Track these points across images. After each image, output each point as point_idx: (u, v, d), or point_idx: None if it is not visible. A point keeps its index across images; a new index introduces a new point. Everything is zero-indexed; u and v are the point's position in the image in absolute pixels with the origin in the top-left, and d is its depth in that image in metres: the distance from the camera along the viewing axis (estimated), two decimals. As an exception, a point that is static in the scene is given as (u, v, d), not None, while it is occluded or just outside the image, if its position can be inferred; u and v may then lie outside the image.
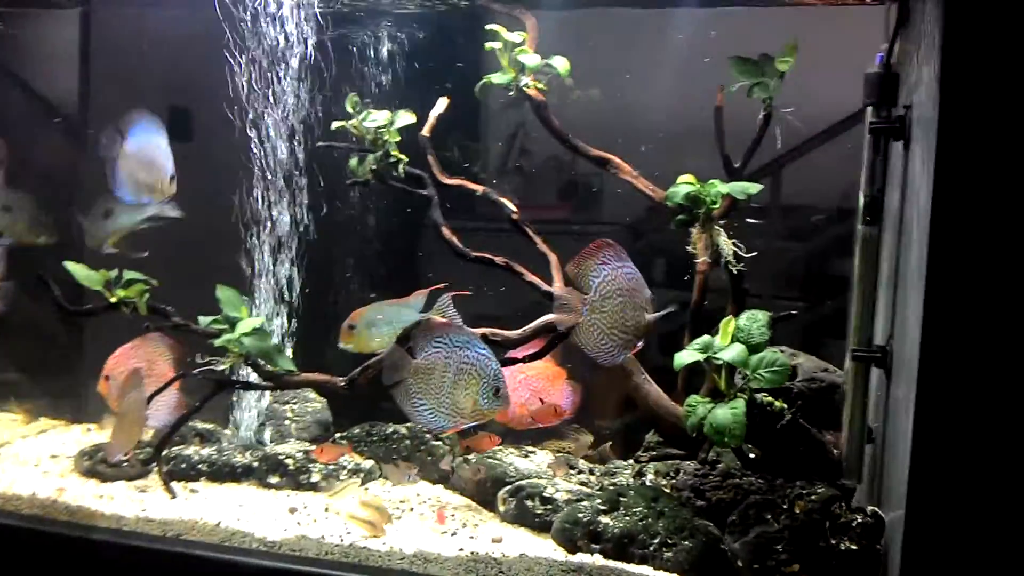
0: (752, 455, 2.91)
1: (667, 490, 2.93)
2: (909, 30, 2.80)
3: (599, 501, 2.81)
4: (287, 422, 3.60)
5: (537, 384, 3.36)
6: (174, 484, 3.21)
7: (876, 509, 2.61)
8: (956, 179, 2.19)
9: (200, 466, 3.34)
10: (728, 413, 2.59)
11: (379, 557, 2.71)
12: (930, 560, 2.26)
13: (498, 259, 3.08)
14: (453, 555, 2.70)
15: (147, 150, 3.12)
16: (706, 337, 2.75)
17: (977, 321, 2.18)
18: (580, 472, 3.31)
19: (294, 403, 3.65)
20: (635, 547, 2.69)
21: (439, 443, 3.51)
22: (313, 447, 3.41)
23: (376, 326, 3.01)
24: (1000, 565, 2.17)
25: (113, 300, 3.30)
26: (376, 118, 3.14)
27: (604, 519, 2.75)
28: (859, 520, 2.56)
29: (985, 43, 2.15)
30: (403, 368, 2.70)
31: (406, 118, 3.14)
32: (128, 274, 3.32)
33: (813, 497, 2.61)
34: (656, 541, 2.68)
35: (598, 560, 2.65)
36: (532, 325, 2.96)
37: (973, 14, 2.16)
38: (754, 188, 3.02)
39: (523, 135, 3.93)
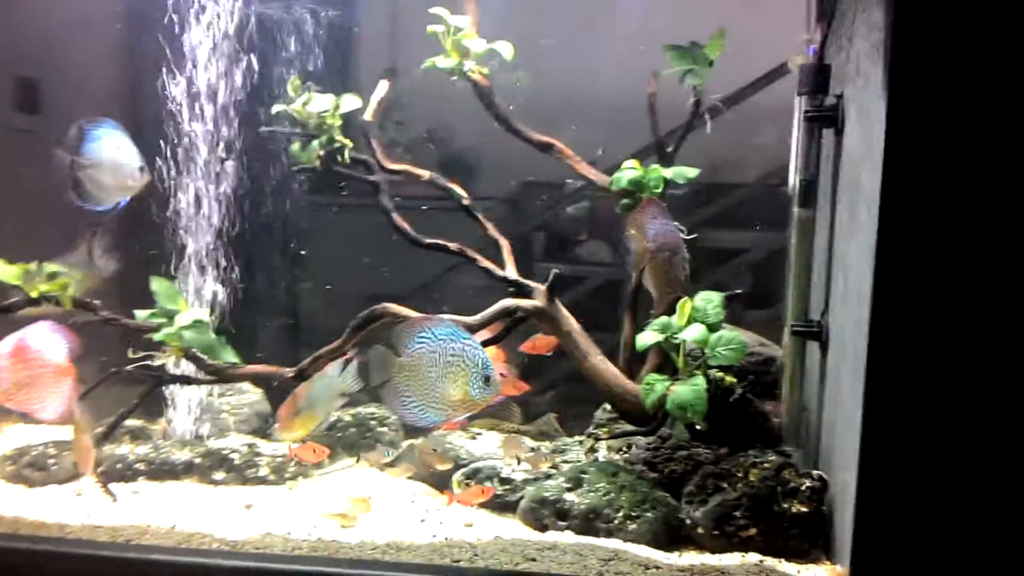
0: (699, 427, 3.06)
1: (620, 464, 3.06)
2: (838, 23, 2.98)
3: (563, 479, 2.90)
4: (224, 415, 3.50)
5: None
6: (112, 485, 3.08)
7: (822, 473, 2.81)
8: (904, 167, 2.37)
9: (137, 465, 3.21)
10: (690, 390, 2.72)
11: (350, 549, 2.70)
12: (881, 519, 2.48)
13: (452, 245, 3.09)
14: (426, 542, 2.72)
15: (106, 152, 2.93)
16: (664, 318, 2.87)
17: (922, 298, 2.38)
18: (528, 450, 3.39)
19: (230, 395, 3.55)
20: (600, 521, 2.80)
21: (384, 429, 3.51)
22: (255, 439, 3.35)
23: (314, 404, 2.96)
24: (947, 525, 2.40)
25: (34, 295, 3.10)
26: (320, 102, 3.06)
27: (570, 496, 2.85)
28: (807, 484, 2.75)
29: (933, 42, 2.32)
30: (388, 367, 2.67)
31: (352, 102, 3.08)
32: (49, 267, 3.13)
33: (766, 465, 2.79)
34: (620, 515, 2.80)
35: (569, 537, 2.74)
36: (490, 310, 2.99)
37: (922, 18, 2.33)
38: (692, 172, 3.16)
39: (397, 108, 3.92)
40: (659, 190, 3.13)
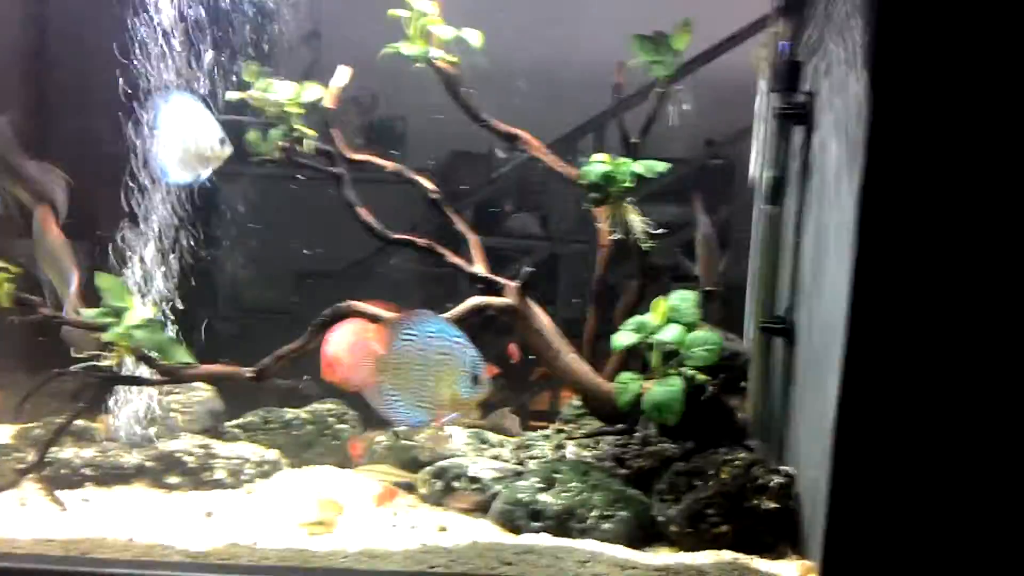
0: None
1: (591, 461, 3.05)
2: (809, 21, 2.98)
3: (536, 479, 2.87)
4: (173, 414, 3.34)
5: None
6: (59, 493, 2.92)
7: (789, 469, 2.85)
8: (886, 166, 2.38)
9: (84, 470, 3.05)
10: (666, 391, 2.72)
11: (321, 558, 2.61)
12: (852, 513, 2.53)
13: (420, 241, 3.00)
14: (400, 549, 2.66)
15: (185, 123, 2.77)
16: (639, 317, 2.85)
17: (900, 296, 2.42)
18: (492, 447, 3.36)
19: (178, 393, 3.39)
20: (574, 521, 2.79)
21: (344, 426, 3.42)
22: (207, 440, 3.21)
23: None
24: (917, 520, 2.47)
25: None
26: (281, 89, 2.91)
27: (543, 497, 2.82)
28: (776, 480, 2.79)
29: (916, 40, 2.34)
30: (374, 365, 2.57)
31: (314, 90, 2.94)
32: (-13, 262, 2.92)
33: (737, 462, 2.81)
34: (594, 514, 2.79)
35: (545, 539, 2.72)
36: (460, 308, 2.91)
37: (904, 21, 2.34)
38: (661, 166, 3.13)
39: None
40: (629, 184, 3.09)
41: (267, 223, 3.93)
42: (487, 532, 2.80)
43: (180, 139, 2.82)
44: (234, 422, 3.42)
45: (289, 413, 3.41)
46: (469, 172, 4.72)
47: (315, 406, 3.46)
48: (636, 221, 3.15)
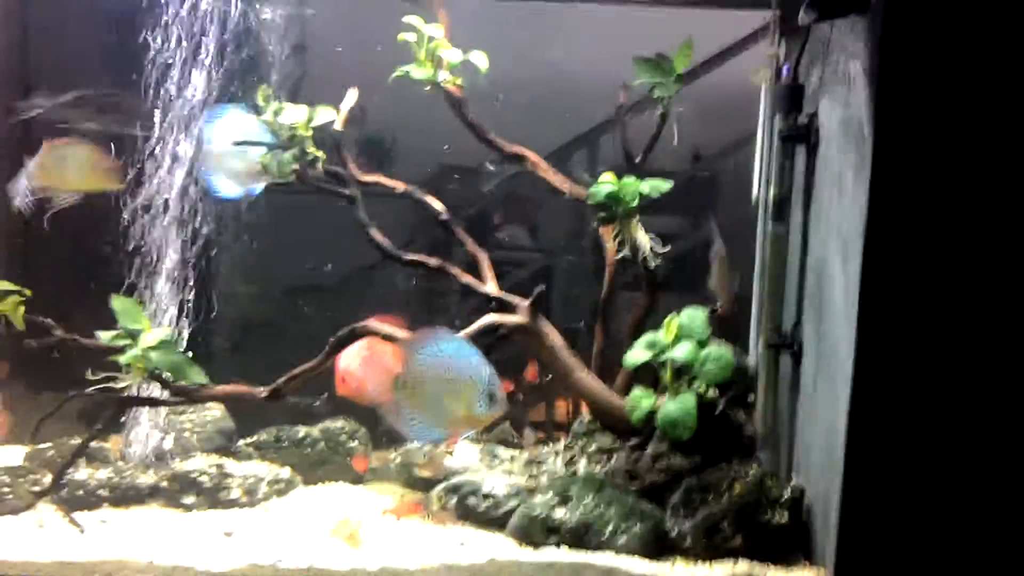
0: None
1: (600, 475, 3.10)
2: (809, 44, 3.06)
3: (551, 495, 2.92)
4: (187, 434, 3.36)
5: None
6: (75, 514, 2.93)
7: (799, 483, 2.91)
8: (891, 187, 2.47)
9: (100, 491, 3.06)
10: (679, 408, 2.78)
11: (341, 575, 2.66)
12: (864, 524, 2.59)
13: (432, 261, 3.04)
14: (421, 565, 2.69)
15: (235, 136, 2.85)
16: (651, 335, 2.91)
17: (907, 313, 2.49)
18: (503, 461, 3.40)
19: (191, 412, 3.41)
20: (590, 536, 2.83)
21: (355, 444, 3.45)
22: (221, 459, 3.24)
23: None
24: (926, 531, 2.54)
25: (-10, 319, 2.92)
26: (293, 113, 2.95)
27: (559, 512, 2.87)
28: (787, 495, 2.85)
29: (920, 73, 2.42)
30: (392, 383, 2.60)
31: (326, 114, 2.99)
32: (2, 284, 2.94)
33: (749, 476, 2.87)
34: (609, 528, 2.83)
35: (564, 554, 2.77)
36: (473, 327, 2.96)
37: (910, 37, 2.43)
38: (666, 185, 3.20)
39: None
40: (635, 203, 3.16)
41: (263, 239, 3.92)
42: (505, 547, 2.84)
43: (230, 152, 2.83)
44: (246, 441, 3.44)
45: (301, 431, 3.43)
46: (459, 186, 4.78)
47: (326, 424, 3.48)
48: (644, 239, 3.22)
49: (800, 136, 3.03)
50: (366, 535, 2.84)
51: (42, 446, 3.39)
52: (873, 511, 2.58)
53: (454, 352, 2.60)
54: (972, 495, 2.52)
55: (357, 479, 3.39)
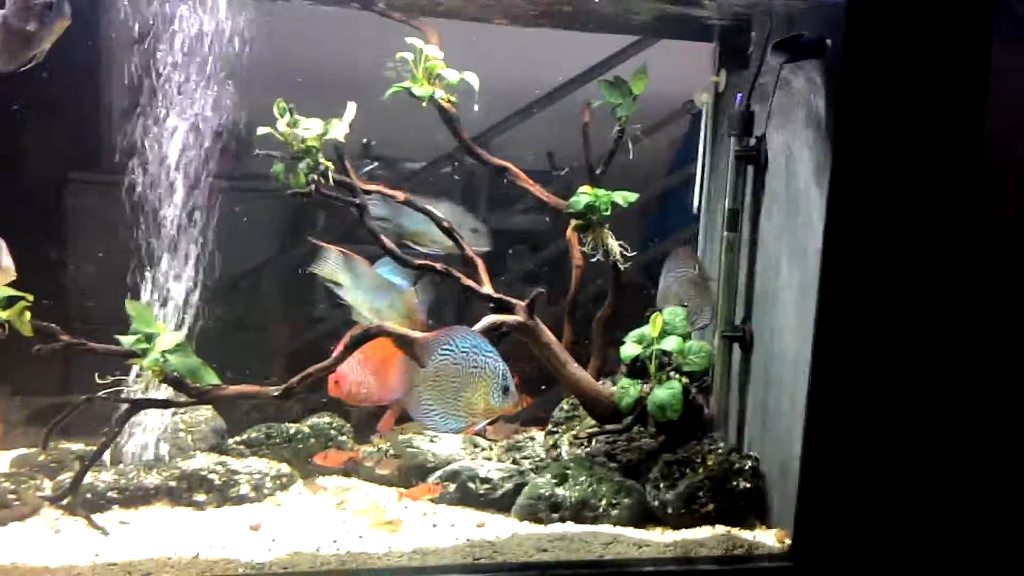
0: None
1: (581, 457, 3.46)
2: (757, 72, 3.53)
3: (550, 476, 3.25)
4: (182, 434, 3.42)
5: (376, 365, 3.63)
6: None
7: (756, 454, 3.39)
8: (844, 198, 2.99)
9: (110, 493, 3.09)
10: (667, 393, 3.19)
11: (379, 559, 2.87)
12: (819, 489, 3.10)
13: (438, 266, 3.28)
14: (449, 544, 2.96)
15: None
16: (639, 330, 3.30)
17: (858, 302, 3.02)
18: (483, 449, 3.69)
19: (183, 413, 3.47)
20: (587, 511, 3.19)
21: (343, 438, 3.62)
22: (223, 457, 3.34)
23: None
24: (875, 496, 3.07)
25: (-12, 322, 2.89)
26: (309, 126, 3.10)
27: (560, 491, 3.21)
28: (749, 464, 3.32)
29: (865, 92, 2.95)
30: (413, 377, 2.83)
31: (341, 128, 3.15)
32: (3, 291, 2.91)
33: (719, 450, 3.32)
34: (603, 503, 3.20)
35: (571, 527, 3.11)
36: (478, 326, 3.22)
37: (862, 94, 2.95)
38: (633, 196, 3.59)
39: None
40: (607, 212, 3.53)
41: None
42: (516, 524, 3.15)
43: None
44: (237, 438, 3.53)
45: (292, 428, 3.57)
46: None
47: (314, 419, 3.64)
48: (614, 245, 3.60)
49: (751, 157, 3.50)
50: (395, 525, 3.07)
51: (26, 451, 3.37)
52: (828, 476, 3.10)
53: (470, 348, 2.89)
54: (913, 468, 3.09)
55: (351, 471, 3.57)
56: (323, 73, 3.88)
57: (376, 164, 3.85)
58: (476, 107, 3.48)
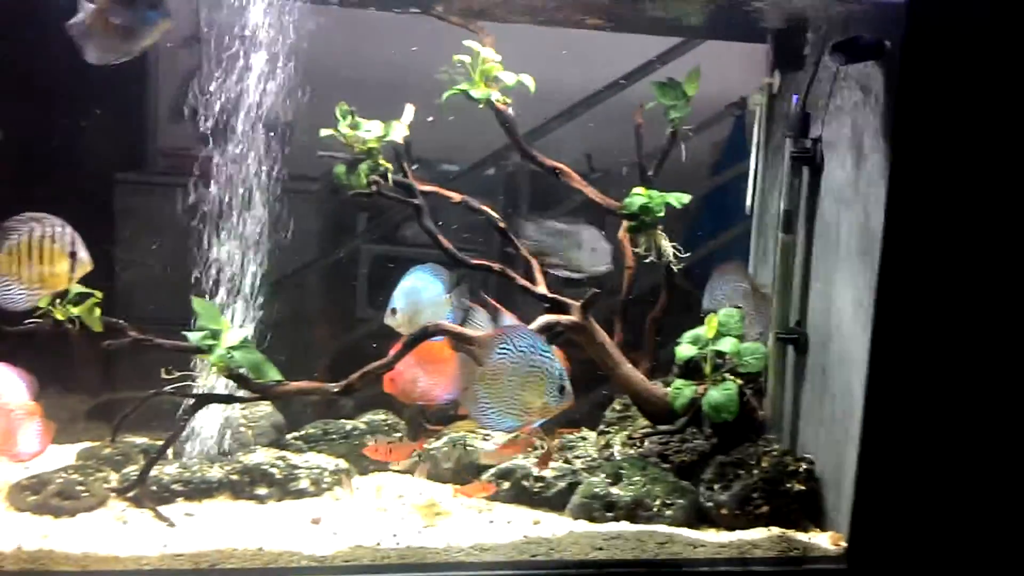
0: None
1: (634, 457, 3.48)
2: (814, 74, 3.52)
3: (604, 475, 3.28)
4: (243, 429, 3.49)
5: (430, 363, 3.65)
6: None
7: (811, 456, 3.39)
8: (903, 201, 2.97)
9: (174, 486, 3.17)
10: (723, 394, 3.20)
11: (438, 553, 2.92)
12: (875, 493, 3.09)
13: (495, 266, 3.32)
14: (507, 541, 2.99)
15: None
16: (694, 331, 3.31)
17: (919, 305, 3.00)
18: (535, 448, 3.72)
19: (244, 408, 3.54)
20: (641, 510, 3.21)
21: (398, 435, 3.68)
22: (282, 452, 3.41)
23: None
24: (932, 501, 3.05)
25: (60, 317, 2.98)
26: (371, 128, 3.16)
27: (615, 490, 3.23)
28: (804, 467, 3.32)
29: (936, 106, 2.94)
30: (470, 375, 2.87)
31: (401, 129, 3.21)
32: (76, 287, 3.01)
33: (774, 453, 3.32)
34: (658, 503, 3.22)
35: (626, 526, 3.13)
36: (533, 325, 3.25)
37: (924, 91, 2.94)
38: (686, 198, 3.61)
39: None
40: (661, 213, 3.55)
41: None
42: (572, 523, 3.17)
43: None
44: (295, 434, 3.60)
45: (348, 424, 3.63)
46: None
47: (369, 416, 3.70)
48: (667, 246, 3.62)
49: (807, 158, 3.50)
50: (446, 514, 3.12)
51: (91, 444, 3.47)
52: (884, 480, 3.09)
53: (528, 348, 2.92)
54: (970, 469, 3.06)
55: (407, 468, 3.61)
56: (363, 74, 3.94)
57: (416, 166, 3.92)
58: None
